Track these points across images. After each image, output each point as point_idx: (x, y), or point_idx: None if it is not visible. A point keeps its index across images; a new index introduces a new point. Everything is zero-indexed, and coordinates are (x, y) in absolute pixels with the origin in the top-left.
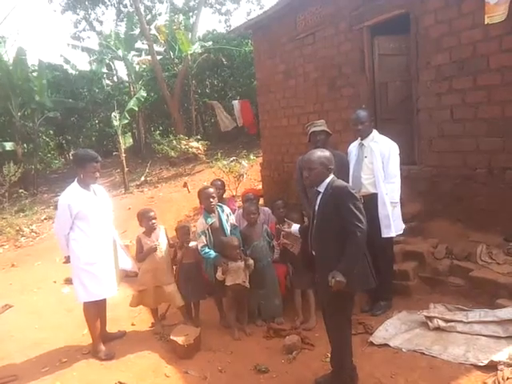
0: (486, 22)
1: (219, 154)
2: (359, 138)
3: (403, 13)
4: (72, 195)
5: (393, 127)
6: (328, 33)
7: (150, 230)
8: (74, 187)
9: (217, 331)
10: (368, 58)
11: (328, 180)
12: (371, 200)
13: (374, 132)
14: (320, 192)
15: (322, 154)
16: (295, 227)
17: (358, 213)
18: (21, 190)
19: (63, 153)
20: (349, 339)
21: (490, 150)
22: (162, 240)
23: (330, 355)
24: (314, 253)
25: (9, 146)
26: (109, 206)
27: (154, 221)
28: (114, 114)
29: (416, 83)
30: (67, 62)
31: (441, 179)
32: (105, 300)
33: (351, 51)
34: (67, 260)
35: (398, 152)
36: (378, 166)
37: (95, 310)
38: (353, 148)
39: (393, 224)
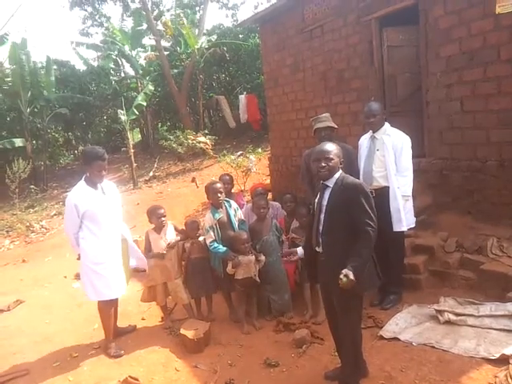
0: (497, 12)
1: (226, 150)
2: (370, 131)
3: (412, 4)
4: (78, 195)
5: (402, 120)
6: (336, 25)
7: (159, 227)
8: (81, 186)
9: (226, 325)
10: (376, 50)
11: (337, 175)
12: (383, 193)
13: (386, 125)
14: (328, 187)
15: (336, 145)
16: (300, 251)
17: (370, 211)
18: (31, 186)
19: (72, 149)
20: (361, 334)
21: (501, 141)
22: (170, 236)
23: (337, 350)
24: (317, 249)
25: (19, 142)
26: (118, 204)
27: (163, 218)
28: (119, 111)
29: (425, 75)
30: (81, 57)
31: (451, 172)
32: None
33: (359, 43)
34: (79, 257)
35: (411, 145)
36: (390, 159)
37: (110, 308)
38: (364, 141)
39: (404, 218)
